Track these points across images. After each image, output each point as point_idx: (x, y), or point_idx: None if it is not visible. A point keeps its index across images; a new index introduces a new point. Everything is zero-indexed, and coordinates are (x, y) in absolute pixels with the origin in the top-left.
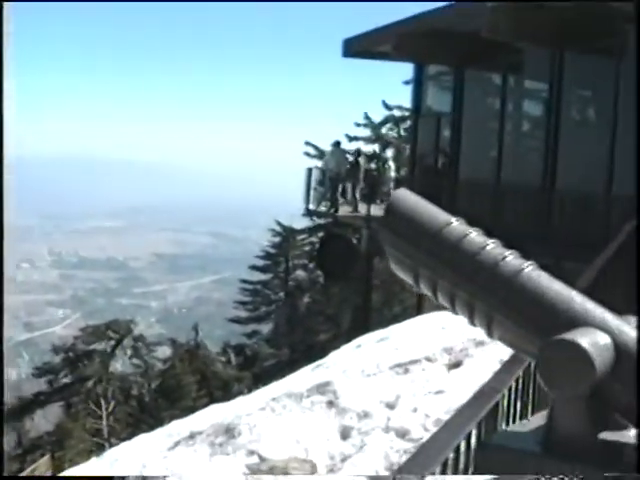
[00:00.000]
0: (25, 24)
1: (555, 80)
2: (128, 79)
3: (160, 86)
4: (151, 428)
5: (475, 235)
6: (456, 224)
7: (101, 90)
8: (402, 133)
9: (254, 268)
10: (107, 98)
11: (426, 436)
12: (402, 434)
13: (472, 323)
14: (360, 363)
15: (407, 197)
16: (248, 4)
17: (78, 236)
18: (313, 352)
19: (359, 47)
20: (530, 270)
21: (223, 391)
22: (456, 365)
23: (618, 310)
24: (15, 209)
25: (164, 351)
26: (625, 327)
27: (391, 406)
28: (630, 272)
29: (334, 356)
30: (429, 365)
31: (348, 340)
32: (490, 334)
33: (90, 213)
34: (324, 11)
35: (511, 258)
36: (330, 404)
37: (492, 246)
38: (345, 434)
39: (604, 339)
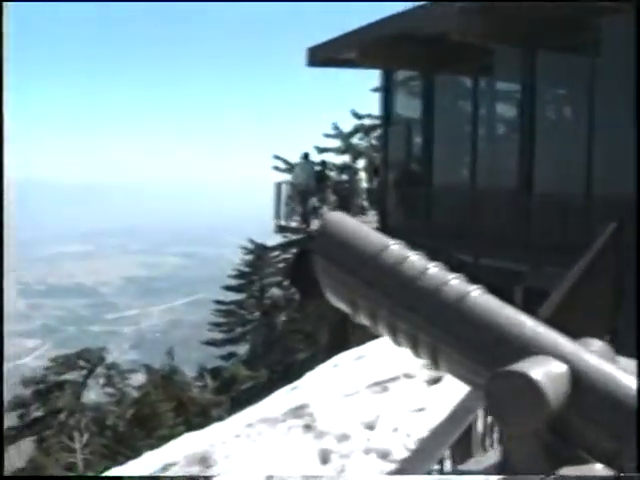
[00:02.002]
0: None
1: (528, 80)
2: (81, 96)
3: (120, 103)
4: (127, 459)
5: (415, 258)
6: (394, 247)
7: (54, 109)
8: (373, 142)
9: (228, 288)
10: (61, 117)
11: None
12: (383, 455)
13: (417, 355)
14: (337, 383)
15: (340, 220)
16: (205, 10)
17: (45, 263)
18: (291, 372)
19: (324, 55)
20: (476, 295)
21: (201, 417)
22: (436, 381)
23: (587, 332)
24: None
25: (138, 378)
26: (583, 353)
27: (371, 426)
28: (603, 286)
29: (310, 377)
30: (408, 382)
31: (327, 358)
32: (436, 366)
33: (55, 239)
34: (287, 19)
35: (455, 282)
36: (307, 427)
37: (434, 270)
38: (325, 458)
39: (558, 368)
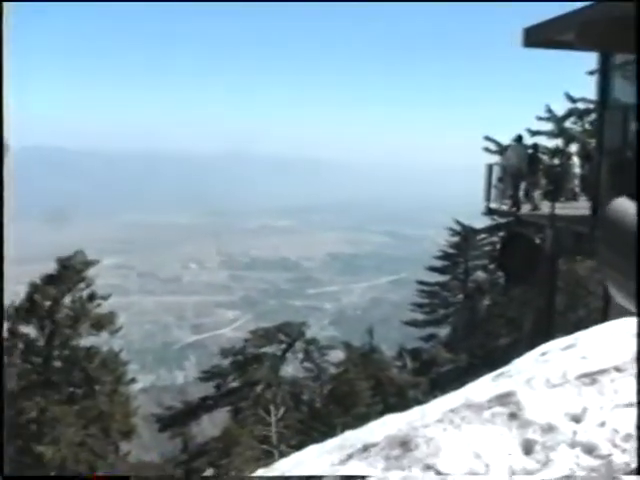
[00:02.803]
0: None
1: None
2: (282, 74)
3: (324, 83)
4: (322, 436)
5: None
6: None
7: (259, 87)
8: (587, 127)
9: (432, 269)
10: (269, 95)
11: (615, 452)
12: (589, 450)
13: None
14: (545, 372)
15: (629, 207)
16: None
17: (249, 235)
18: (493, 357)
19: (540, 36)
20: None
21: (398, 397)
22: None
23: None
24: (182, 207)
25: (337, 355)
26: None
27: (577, 419)
28: None
29: (517, 364)
30: (618, 375)
31: (530, 345)
32: None
33: (261, 211)
34: None
35: None
36: (512, 416)
37: None
38: (528, 449)
39: None
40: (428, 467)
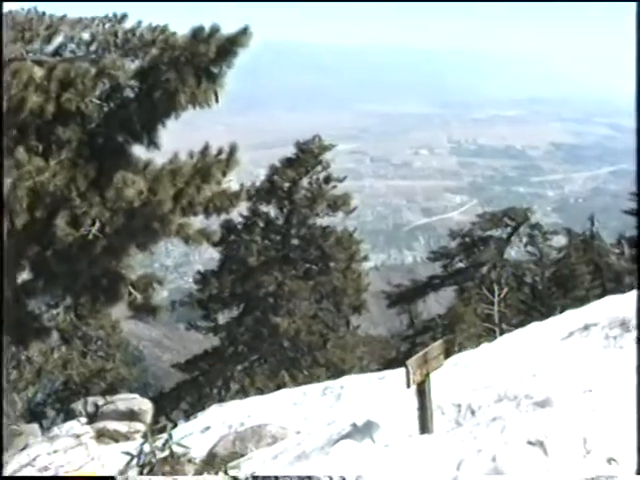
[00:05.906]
0: None
1: None
2: None
3: None
4: (542, 316)
5: None
6: None
7: None
8: None
9: None
10: None
11: None
12: None
13: None
14: None
15: None
16: None
17: (477, 124)
18: None
19: None
20: None
21: (615, 283)
22: None
23: None
24: (415, 97)
25: (559, 240)
26: None
27: None
28: None
29: None
30: None
31: None
32: None
33: (490, 102)
34: None
35: None
36: None
37: None
38: None
39: None
40: None
